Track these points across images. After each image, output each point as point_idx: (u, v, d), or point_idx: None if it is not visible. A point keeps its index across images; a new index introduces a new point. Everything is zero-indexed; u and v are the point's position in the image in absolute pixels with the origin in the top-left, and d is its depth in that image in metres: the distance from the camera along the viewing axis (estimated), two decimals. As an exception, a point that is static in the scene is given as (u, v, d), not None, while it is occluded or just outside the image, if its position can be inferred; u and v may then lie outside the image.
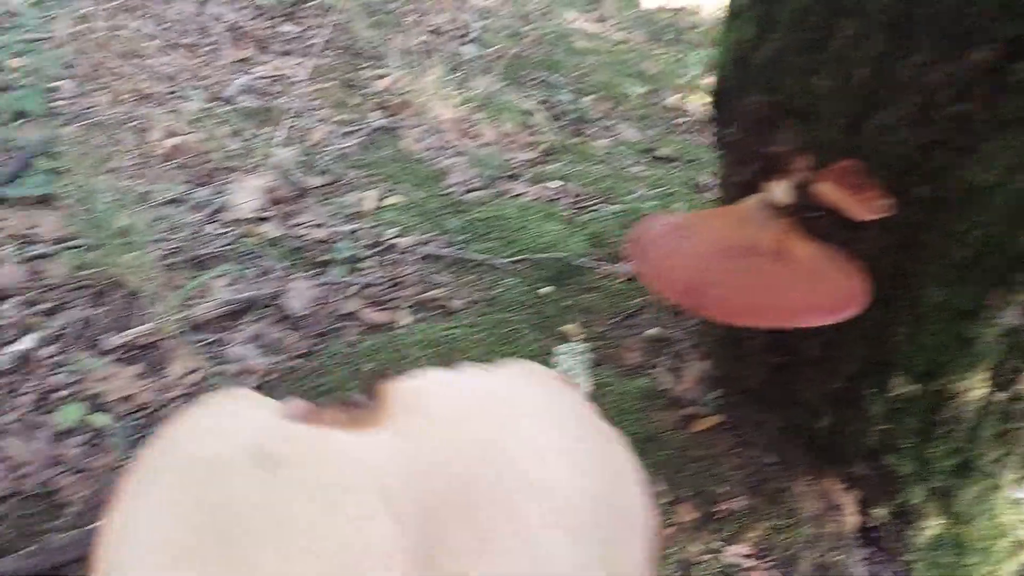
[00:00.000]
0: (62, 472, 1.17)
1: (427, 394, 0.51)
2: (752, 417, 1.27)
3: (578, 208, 1.86)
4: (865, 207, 0.83)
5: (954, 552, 1.16)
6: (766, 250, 0.88)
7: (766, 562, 1.15)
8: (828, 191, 0.83)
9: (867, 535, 1.20)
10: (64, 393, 1.29)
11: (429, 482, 0.44)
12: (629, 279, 1.58)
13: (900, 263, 0.91)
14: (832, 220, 0.91)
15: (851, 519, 1.19)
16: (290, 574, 0.40)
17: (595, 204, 1.87)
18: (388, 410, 0.51)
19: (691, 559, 1.14)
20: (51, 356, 1.34)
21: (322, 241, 1.68)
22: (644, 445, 1.25)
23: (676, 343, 1.43)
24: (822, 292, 0.85)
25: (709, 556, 1.15)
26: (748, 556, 1.16)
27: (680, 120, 2.43)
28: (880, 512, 1.19)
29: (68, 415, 1.18)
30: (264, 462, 0.45)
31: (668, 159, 2.18)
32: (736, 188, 1.00)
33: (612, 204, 1.86)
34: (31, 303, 1.43)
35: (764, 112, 0.91)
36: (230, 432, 0.48)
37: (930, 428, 1.04)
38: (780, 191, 0.89)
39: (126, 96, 2.12)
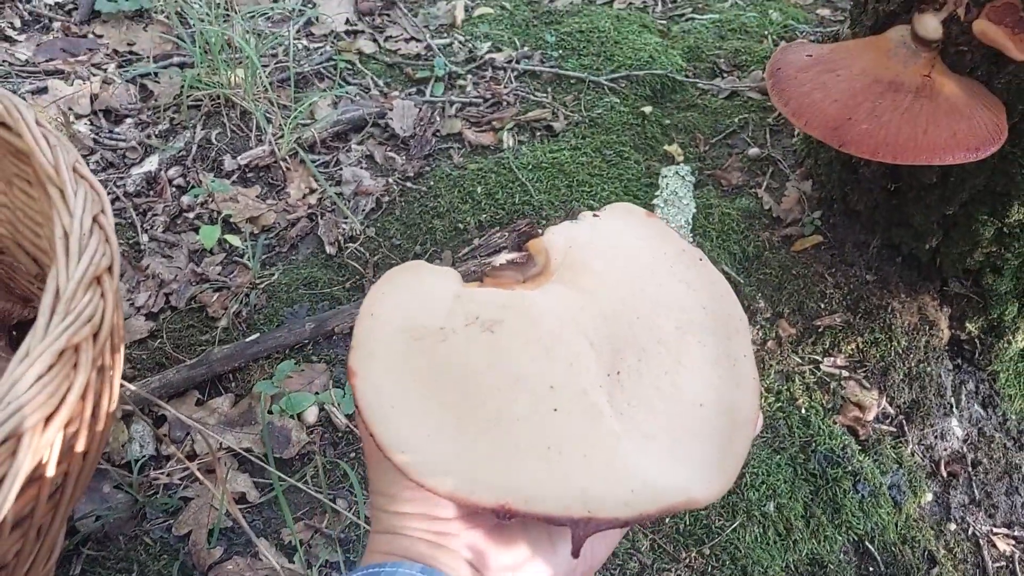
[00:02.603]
0: (206, 289, 1.26)
1: (576, 245, 0.60)
2: (853, 237, 1.32)
3: (671, 17, 1.81)
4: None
5: (1042, 365, 1.23)
6: (911, 86, 0.89)
7: (861, 372, 1.24)
8: (987, 29, 0.82)
9: (957, 348, 1.27)
10: (192, 215, 1.36)
11: (606, 323, 0.54)
12: (728, 96, 1.58)
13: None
14: (977, 56, 0.91)
15: (943, 333, 1.26)
16: (524, 414, 0.48)
17: (689, 13, 1.82)
18: (550, 265, 0.60)
19: (791, 370, 1.23)
20: (176, 177, 1.40)
21: (417, 56, 1.67)
22: (748, 264, 1.31)
23: (777, 163, 1.45)
24: (966, 130, 0.86)
25: (808, 367, 1.23)
26: (844, 367, 1.24)
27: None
28: (972, 327, 1.26)
29: (208, 236, 1.26)
30: (481, 324, 0.53)
31: (758, -41, 2.08)
32: (878, 16, 0.99)
33: (706, 13, 1.81)
34: (146, 124, 1.47)
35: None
36: (431, 302, 0.55)
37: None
38: (929, 26, 0.89)
39: None
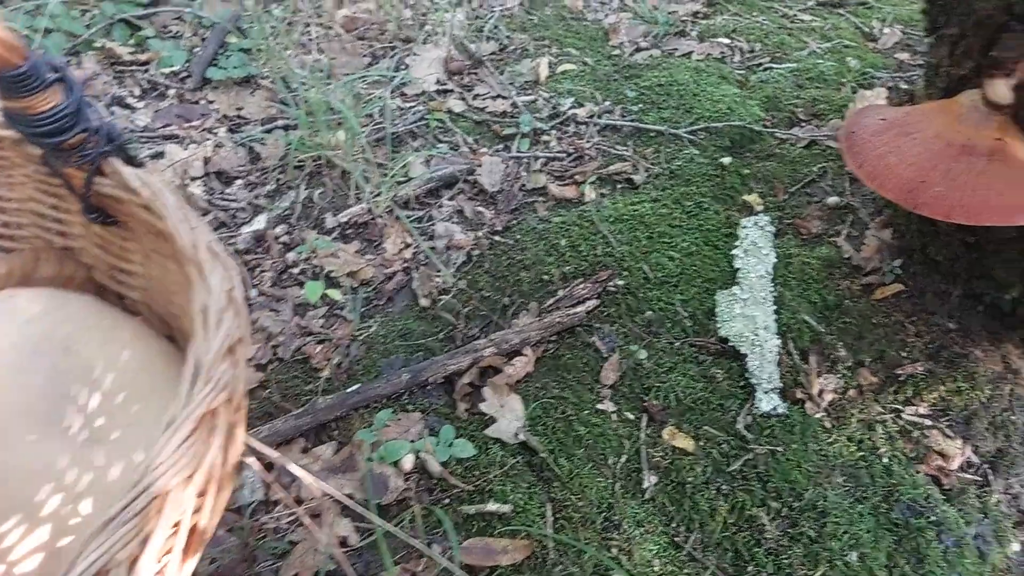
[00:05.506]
0: (309, 341, 1.36)
1: None
2: (934, 286, 1.33)
3: (749, 67, 1.85)
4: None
5: None
6: (983, 149, 0.92)
7: (944, 421, 1.25)
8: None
9: (1044, 398, 1.27)
10: (296, 271, 1.46)
11: None
12: (807, 145, 1.61)
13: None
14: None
15: (1029, 383, 1.26)
16: None
17: (767, 62, 1.86)
18: None
19: (873, 418, 1.24)
20: (282, 235, 1.51)
21: (503, 113, 1.76)
22: (828, 312, 1.33)
23: (856, 211, 1.47)
24: (1038, 193, 0.89)
25: (890, 416, 1.25)
26: (927, 416, 1.25)
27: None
28: (1059, 377, 1.25)
29: (312, 291, 1.36)
30: None
31: (835, 4, 2.11)
32: (950, 79, 1.02)
33: (784, 62, 1.85)
34: (255, 184, 1.60)
35: (990, 14, 0.91)
36: None
37: None
38: (1000, 91, 0.91)
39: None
